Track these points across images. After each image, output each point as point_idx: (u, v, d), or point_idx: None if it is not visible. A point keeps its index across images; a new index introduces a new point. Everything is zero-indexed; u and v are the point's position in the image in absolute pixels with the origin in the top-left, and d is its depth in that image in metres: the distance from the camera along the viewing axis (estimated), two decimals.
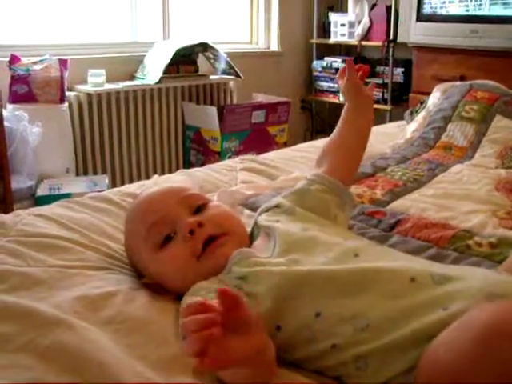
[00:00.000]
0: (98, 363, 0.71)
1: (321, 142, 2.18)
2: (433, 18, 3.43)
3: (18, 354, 0.75)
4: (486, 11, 3.22)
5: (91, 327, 0.80)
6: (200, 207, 0.97)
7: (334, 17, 4.09)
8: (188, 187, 1.05)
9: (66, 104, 2.82)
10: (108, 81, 3.05)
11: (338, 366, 0.75)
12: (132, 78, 3.25)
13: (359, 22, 3.92)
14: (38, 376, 0.71)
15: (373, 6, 3.90)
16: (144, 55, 3.25)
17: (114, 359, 0.72)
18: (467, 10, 3.29)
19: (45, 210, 1.26)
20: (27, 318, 0.81)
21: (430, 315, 0.71)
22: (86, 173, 3.03)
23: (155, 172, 3.21)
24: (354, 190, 1.50)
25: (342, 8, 4.29)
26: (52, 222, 1.18)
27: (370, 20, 3.88)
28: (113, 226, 1.19)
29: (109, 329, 0.81)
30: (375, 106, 3.87)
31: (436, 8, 3.42)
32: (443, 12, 3.41)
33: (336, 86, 4.13)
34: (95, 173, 3.05)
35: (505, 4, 3.15)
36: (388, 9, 3.76)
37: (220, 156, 3.21)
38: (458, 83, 2.57)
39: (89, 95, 2.97)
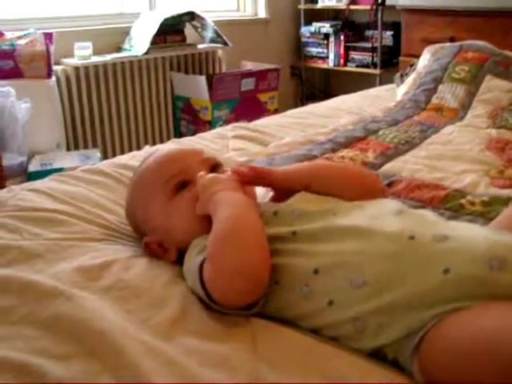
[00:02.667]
0: (98, 331, 0.72)
1: (311, 108, 2.19)
2: None
3: (20, 325, 0.76)
4: None
5: (90, 296, 0.80)
6: (216, 167, 0.99)
7: None
8: (202, 150, 1.06)
9: (54, 78, 2.79)
10: (95, 53, 3.01)
11: (335, 326, 0.76)
12: (119, 49, 3.21)
13: None
14: (42, 346, 0.72)
15: None
16: (130, 26, 3.21)
17: (114, 326, 0.72)
18: None
19: (38, 184, 1.26)
20: (26, 290, 0.81)
21: (429, 277, 0.71)
22: (76, 147, 3.02)
23: (146, 144, 3.20)
24: (346, 153, 1.51)
25: None
26: (46, 196, 1.17)
27: None
28: (107, 198, 1.19)
29: (108, 297, 0.81)
30: (365, 69, 3.86)
31: None
32: None
33: (325, 51, 4.10)
34: (86, 147, 3.04)
35: None
36: None
37: (211, 125, 3.20)
38: (447, 44, 2.56)
39: (76, 69, 2.94)
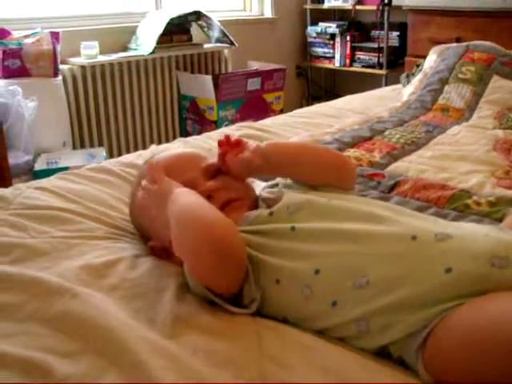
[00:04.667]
0: (105, 329, 0.72)
1: (317, 108, 2.19)
2: None
3: (26, 322, 0.76)
4: None
5: (96, 294, 0.80)
6: (217, 173, 1.00)
7: None
8: (206, 155, 1.07)
9: (60, 77, 2.80)
10: (101, 53, 3.01)
11: (339, 327, 0.76)
12: (125, 49, 3.22)
13: None
14: (49, 343, 0.72)
15: None
16: (137, 26, 3.21)
17: (120, 324, 0.73)
18: None
19: (44, 182, 1.26)
20: (33, 288, 0.82)
21: (431, 277, 0.72)
22: (82, 146, 3.02)
23: (152, 143, 3.20)
24: (353, 153, 1.50)
25: None
26: (52, 195, 1.18)
27: None
28: (113, 196, 1.19)
29: (113, 295, 0.82)
30: (371, 70, 3.85)
31: None
32: None
33: (331, 51, 4.10)
34: (92, 146, 3.04)
35: None
36: None
37: (216, 125, 3.20)
38: (454, 45, 2.55)
39: (82, 68, 2.94)
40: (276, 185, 1.03)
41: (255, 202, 0.98)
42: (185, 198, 0.86)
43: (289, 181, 1.03)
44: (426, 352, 0.68)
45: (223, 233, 0.78)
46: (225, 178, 0.98)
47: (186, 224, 0.80)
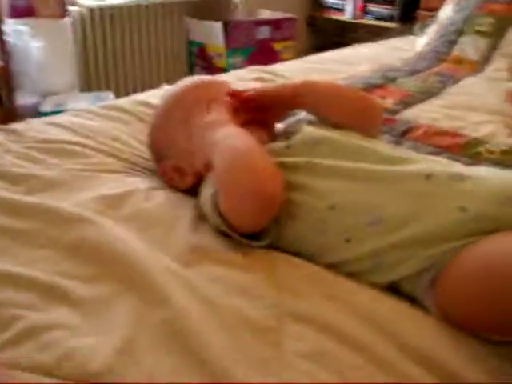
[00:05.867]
0: (122, 254, 0.73)
1: (330, 54, 2.16)
2: None
3: (44, 249, 0.77)
4: None
5: (112, 223, 0.81)
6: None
7: None
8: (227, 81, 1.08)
9: (68, 19, 2.75)
10: None
11: (352, 261, 0.76)
12: None
13: None
14: (67, 269, 0.73)
15: None
16: None
17: (138, 250, 0.73)
18: None
19: (55, 118, 1.26)
20: (49, 216, 0.82)
21: (446, 214, 0.72)
22: (90, 89, 3.00)
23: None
24: None
25: None
26: (64, 129, 1.17)
27: None
28: (125, 133, 1.18)
29: (129, 225, 0.82)
30: (382, 23, 3.78)
31: None
32: None
33: (342, 3, 4.02)
34: (99, 89, 3.02)
35: None
36: None
37: (225, 72, 3.16)
38: None
39: (91, 10, 2.90)
40: (298, 120, 1.03)
41: (274, 135, 0.98)
42: (240, 140, 0.84)
43: (312, 118, 1.02)
44: (438, 287, 0.69)
45: (274, 191, 0.77)
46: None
47: (238, 170, 0.79)
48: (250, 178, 0.77)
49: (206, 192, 0.84)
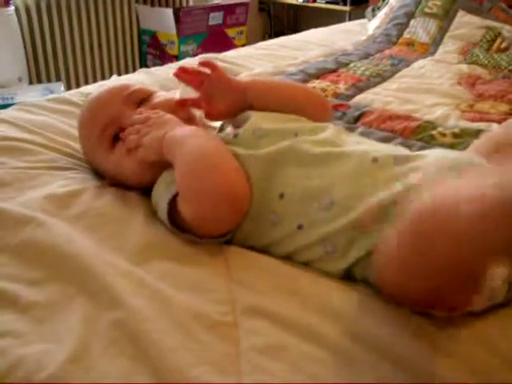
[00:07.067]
0: (71, 256, 0.71)
1: (281, 40, 2.15)
2: None
3: None
4: None
5: (61, 223, 0.79)
6: (143, 100, 0.96)
7: None
8: (131, 84, 1.01)
9: (12, 7, 2.66)
10: None
11: (306, 249, 0.76)
12: None
13: None
14: (12, 272, 0.71)
15: None
16: None
17: (87, 251, 0.72)
18: None
19: (1, 114, 1.22)
20: None
21: (387, 191, 0.73)
22: (39, 81, 2.92)
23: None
24: (318, 84, 1.49)
25: None
26: (10, 125, 1.14)
27: None
28: (74, 127, 1.14)
29: (79, 224, 0.80)
30: (335, 6, 3.78)
31: None
32: None
33: None
34: (49, 80, 2.94)
35: None
36: None
37: (178, 60, 3.12)
38: None
39: None
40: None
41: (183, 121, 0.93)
42: (205, 140, 0.82)
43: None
44: (375, 263, 0.66)
45: (245, 191, 0.76)
46: (151, 104, 0.95)
47: (206, 173, 0.76)
48: (221, 180, 0.75)
49: (164, 195, 0.81)
